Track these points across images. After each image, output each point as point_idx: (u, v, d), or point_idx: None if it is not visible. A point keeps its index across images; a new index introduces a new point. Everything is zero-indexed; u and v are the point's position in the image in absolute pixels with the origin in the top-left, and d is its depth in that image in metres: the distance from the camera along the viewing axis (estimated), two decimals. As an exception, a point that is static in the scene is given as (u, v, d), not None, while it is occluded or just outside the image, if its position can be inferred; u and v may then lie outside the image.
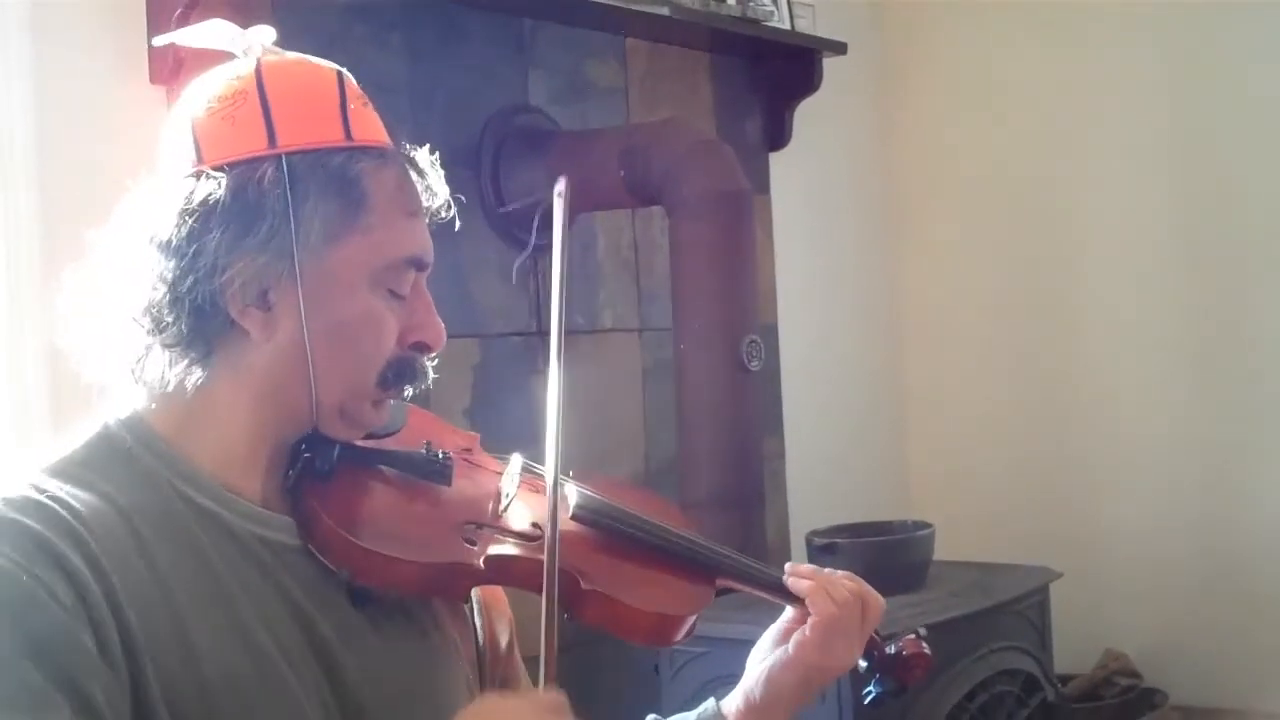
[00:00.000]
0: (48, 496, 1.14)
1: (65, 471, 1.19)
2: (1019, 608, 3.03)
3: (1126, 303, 3.77)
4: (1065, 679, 3.44)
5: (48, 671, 1.04)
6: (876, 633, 1.51)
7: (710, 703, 1.49)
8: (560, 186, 1.36)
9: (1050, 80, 3.85)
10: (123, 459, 1.21)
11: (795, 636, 1.44)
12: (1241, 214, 3.61)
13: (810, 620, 1.43)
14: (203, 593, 1.17)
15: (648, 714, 1.57)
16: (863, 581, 1.48)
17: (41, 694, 1.03)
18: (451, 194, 1.34)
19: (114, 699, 1.07)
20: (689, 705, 1.51)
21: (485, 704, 1.25)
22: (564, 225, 1.34)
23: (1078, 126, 3.81)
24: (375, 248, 1.24)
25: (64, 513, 1.13)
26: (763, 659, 1.48)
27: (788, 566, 1.48)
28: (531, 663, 1.29)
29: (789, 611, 1.48)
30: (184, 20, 2.32)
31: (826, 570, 1.49)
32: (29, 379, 2.19)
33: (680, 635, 1.40)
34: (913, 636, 1.54)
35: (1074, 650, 3.50)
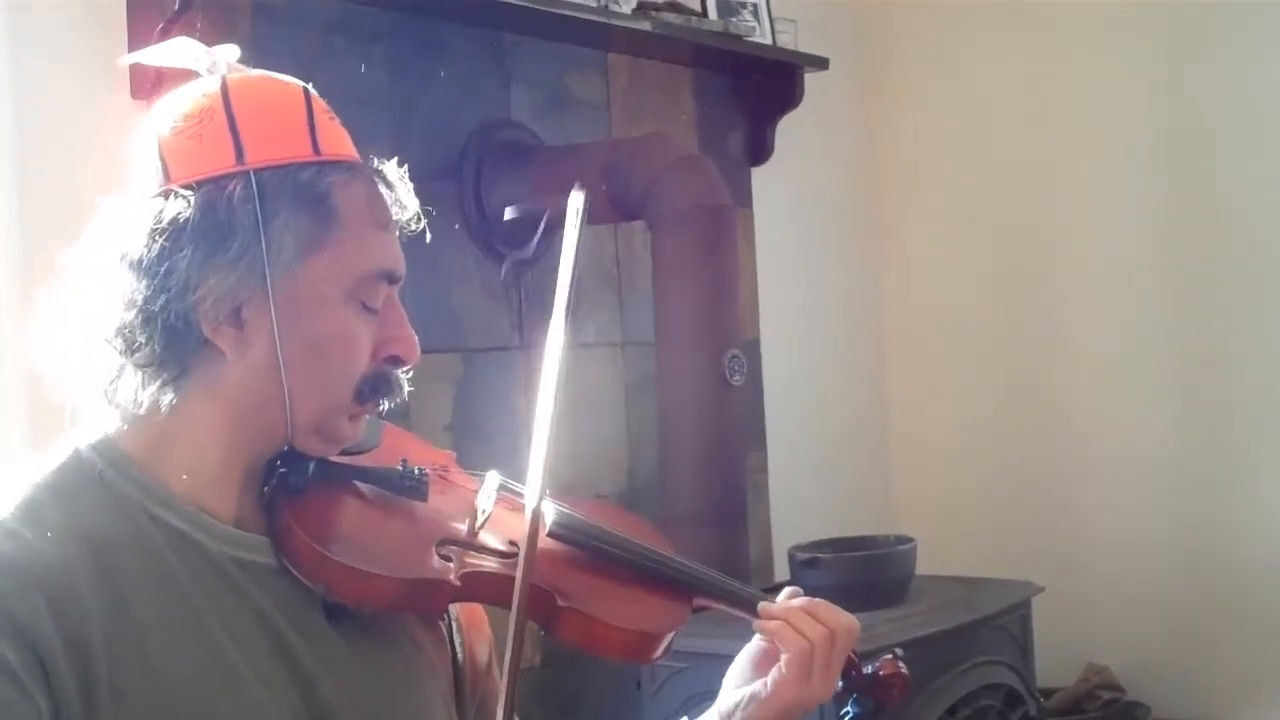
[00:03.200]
0: (11, 541, 1.13)
1: (33, 501, 1.18)
2: (1001, 622, 3.02)
3: (1110, 318, 3.78)
4: (1048, 693, 3.44)
5: None
6: (854, 652, 1.50)
7: None
8: (579, 201, 1.31)
9: (1033, 95, 3.86)
10: (93, 484, 1.20)
11: (773, 674, 1.42)
12: (1227, 230, 3.62)
13: (784, 658, 1.42)
14: (174, 617, 1.16)
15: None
16: (833, 607, 1.47)
17: None
18: (431, 209, 1.34)
19: None
20: (669, 722, 1.50)
21: None
22: (577, 242, 1.30)
23: (1061, 141, 3.82)
24: (347, 262, 1.23)
25: (26, 555, 1.12)
26: (739, 684, 1.46)
27: (760, 607, 1.47)
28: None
29: (759, 633, 1.47)
30: (165, 36, 2.32)
31: (795, 601, 1.47)
32: (6, 399, 2.18)
33: (657, 653, 1.39)
34: (890, 656, 1.53)
35: (1056, 664, 3.50)
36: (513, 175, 2.94)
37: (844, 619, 1.46)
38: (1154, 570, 3.69)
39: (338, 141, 1.27)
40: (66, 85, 2.33)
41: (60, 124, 2.32)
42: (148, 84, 2.35)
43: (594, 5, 3.01)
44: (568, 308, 1.28)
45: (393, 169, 1.31)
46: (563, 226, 1.31)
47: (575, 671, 2.89)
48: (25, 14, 2.27)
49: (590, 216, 2.95)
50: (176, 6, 2.32)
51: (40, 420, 2.15)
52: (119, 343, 1.20)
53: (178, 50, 1.30)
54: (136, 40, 2.37)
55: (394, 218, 1.29)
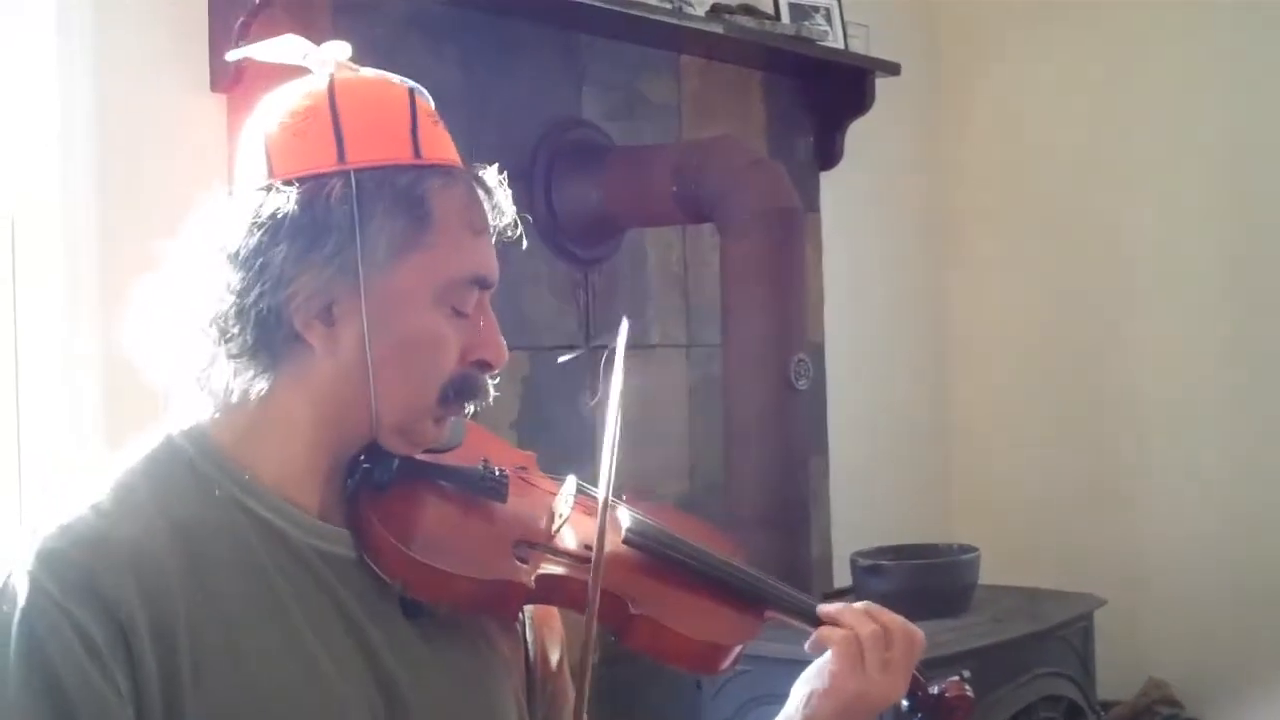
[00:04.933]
0: (105, 520, 1.15)
1: (125, 486, 1.20)
2: (1063, 634, 3.01)
3: (1174, 324, 3.75)
4: (1107, 705, 3.42)
5: (59, 713, 1.07)
6: (920, 672, 1.49)
7: None
8: (622, 327, 1.34)
9: (1105, 103, 3.84)
10: (184, 470, 1.22)
11: (828, 667, 1.42)
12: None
13: (832, 648, 1.42)
14: (256, 604, 1.18)
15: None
16: (890, 611, 1.46)
17: None
18: (516, 212, 1.34)
19: None
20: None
21: None
22: (621, 371, 1.32)
23: (1128, 150, 3.80)
24: (439, 266, 1.24)
25: (117, 538, 1.14)
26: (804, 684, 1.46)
27: (818, 609, 1.46)
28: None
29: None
30: (245, 30, 2.35)
31: (859, 604, 1.46)
32: (85, 386, 2.21)
33: (725, 665, 1.39)
34: (956, 679, 1.52)
35: (1116, 678, 3.48)
36: (583, 175, 2.95)
37: (898, 618, 1.45)
38: (1217, 586, 3.65)
39: (439, 146, 1.28)
40: (147, 78, 2.36)
41: (141, 116, 2.35)
42: (227, 78, 2.38)
43: (667, 7, 3.01)
44: (614, 442, 1.29)
45: (492, 175, 1.31)
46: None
47: (636, 671, 2.89)
48: (108, 8, 2.30)
49: (659, 217, 2.97)
50: (257, 1, 2.35)
51: (117, 409, 2.18)
52: (213, 332, 1.21)
53: (286, 47, 1.31)
54: (217, 34, 2.39)
55: (490, 224, 1.30)
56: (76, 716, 1.07)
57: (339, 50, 1.30)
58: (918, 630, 1.46)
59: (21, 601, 1.10)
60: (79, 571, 1.11)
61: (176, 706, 1.12)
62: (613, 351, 1.36)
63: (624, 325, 1.35)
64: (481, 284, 1.28)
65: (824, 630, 1.43)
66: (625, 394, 1.32)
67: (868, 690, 1.41)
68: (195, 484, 1.22)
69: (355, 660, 1.21)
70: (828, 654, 1.45)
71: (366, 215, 1.21)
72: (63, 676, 1.07)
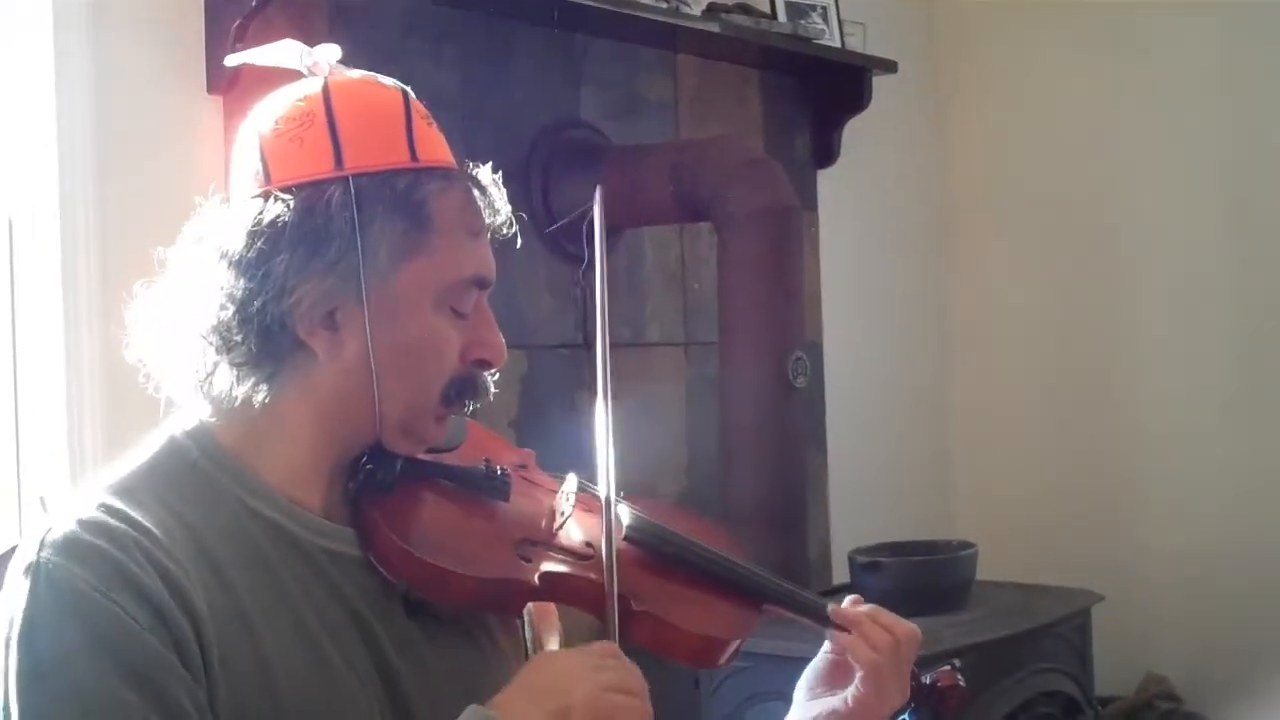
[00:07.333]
0: (117, 518, 1.16)
1: (133, 487, 1.21)
2: (1061, 630, 3.02)
3: (1176, 324, 3.75)
4: (1105, 701, 3.42)
5: (141, 690, 1.08)
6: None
7: None
8: (596, 196, 1.37)
9: (1102, 99, 3.84)
10: (188, 471, 1.23)
11: (851, 692, 1.43)
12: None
13: (859, 675, 1.43)
14: (270, 603, 1.19)
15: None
16: (895, 616, 1.47)
17: (139, 713, 1.08)
18: (511, 210, 1.35)
19: (202, 709, 1.11)
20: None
21: (541, 659, 1.30)
22: (601, 237, 1.35)
23: (1129, 147, 3.80)
24: (439, 269, 1.25)
25: (135, 534, 1.15)
26: (811, 697, 1.47)
27: (830, 608, 1.47)
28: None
29: (830, 644, 1.48)
30: (242, 32, 2.36)
31: (861, 608, 1.47)
32: (85, 389, 2.21)
33: (724, 658, 1.41)
34: (948, 668, 1.53)
35: (1115, 673, 3.49)
36: (581, 175, 2.95)
37: (908, 625, 1.47)
38: (1216, 581, 3.66)
39: (434, 147, 1.29)
40: (144, 80, 2.37)
41: (138, 118, 2.36)
42: (224, 81, 2.38)
43: (664, 7, 3.02)
44: (602, 304, 1.33)
45: (486, 174, 1.32)
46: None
47: (633, 669, 2.90)
48: (106, 10, 2.31)
49: (657, 216, 2.97)
50: (254, 3, 2.35)
51: (118, 414, 2.19)
52: (215, 340, 1.22)
53: (281, 51, 1.31)
54: (214, 37, 2.40)
55: (486, 223, 1.31)
56: (161, 689, 1.09)
57: (330, 53, 1.30)
58: (916, 628, 1.48)
59: (65, 593, 1.11)
60: (106, 560, 1.12)
61: (214, 693, 1.13)
62: (592, 222, 1.37)
63: (598, 194, 1.38)
64: (480, 284, 1.29)
65: (852, 647, 1.44)
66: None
67: (885, 704, 1.44)
68: (200, 484, 1.23)
69: (361, 656, 1.23)
70: (826, 658, 1.47)
71: (366, 221, 1.21)
72: (138, 656, 1.09)
